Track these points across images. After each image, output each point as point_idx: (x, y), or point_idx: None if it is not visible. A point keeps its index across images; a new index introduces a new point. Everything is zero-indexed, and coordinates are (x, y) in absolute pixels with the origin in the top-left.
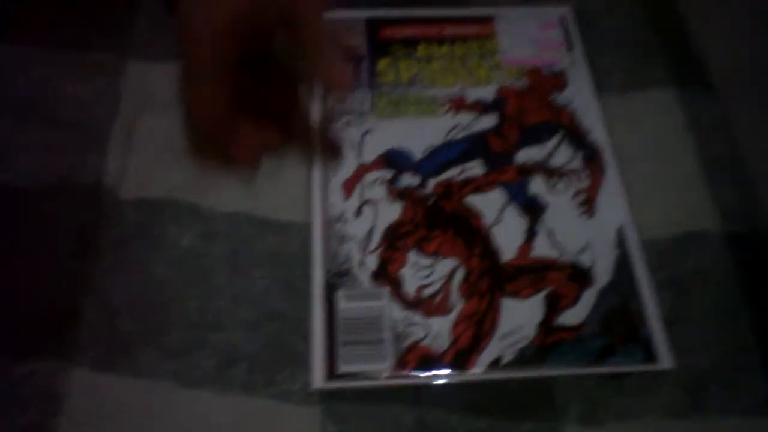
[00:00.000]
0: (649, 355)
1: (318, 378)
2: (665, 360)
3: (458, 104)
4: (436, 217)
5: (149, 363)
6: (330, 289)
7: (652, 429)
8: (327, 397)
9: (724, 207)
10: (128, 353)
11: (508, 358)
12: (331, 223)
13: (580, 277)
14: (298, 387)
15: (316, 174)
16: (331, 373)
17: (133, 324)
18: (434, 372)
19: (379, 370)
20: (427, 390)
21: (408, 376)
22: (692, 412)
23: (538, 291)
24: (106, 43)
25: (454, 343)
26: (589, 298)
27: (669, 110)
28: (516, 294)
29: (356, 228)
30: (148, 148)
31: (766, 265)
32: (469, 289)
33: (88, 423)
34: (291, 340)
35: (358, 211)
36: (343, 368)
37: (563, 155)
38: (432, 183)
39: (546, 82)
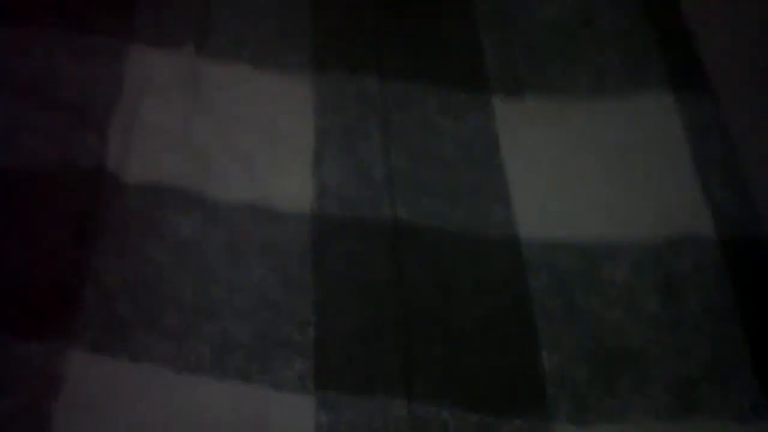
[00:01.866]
0: None
1: None
2: None
3: None
4: None
5: (146, 347)
6: None
7: (642, 430)
8: (321, 386)
9: (718, 210)
10: (125, 337)
11: None
12: None
13: None
14: (292, 375)
15: None
16: None
17: (130, 308)
18: None
19: None
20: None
21: None
22: (683, 414)
23: None
24: (108, 26)
25: None
26: None
27: (666, 112)
28: None
29: None
30: (151, 133)
31: (759, 268)
32: None
33: (85, 405)
34: (286, 329)
35: None
36: None
37: None
38: None
39: None
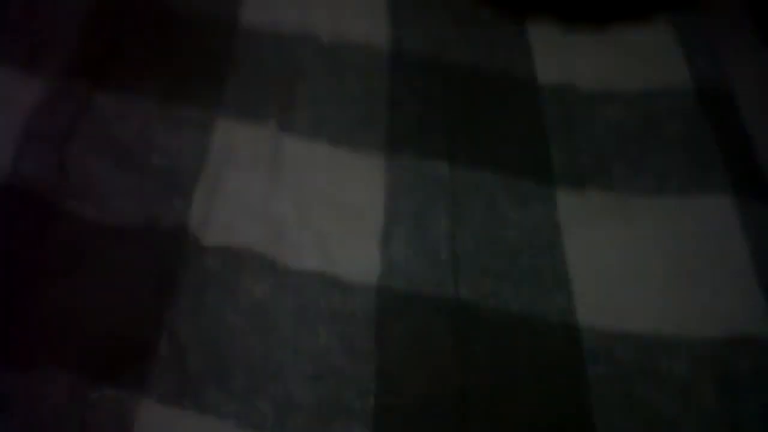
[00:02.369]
0: None
1: None
2: None
3: None
4: None
5: (213, 402)
6: None
7: None
8: None
9: None
10: (195, 391)
11: None
12: None
13: None
14: None
15: None
16: None
17: (201, 365)
18: None
19: None
20: None
21: None
22: None
23: None
24: (198, 99)
25: None
26: None
27: (726, 215)
28: None
29: None
30: (232, 201)
31: None
32: None
33: None
34: (347, 395)
35: None
36: None
37: None
38: None
39: None
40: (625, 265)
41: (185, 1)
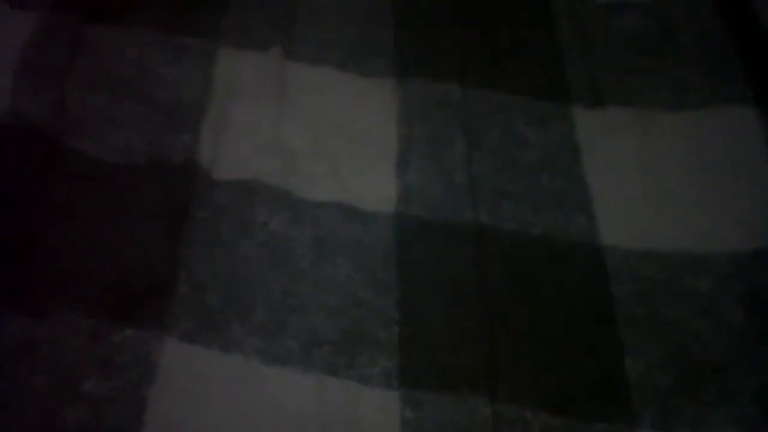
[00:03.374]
0: None
1: None
2: None
3: None
4: None
5: (236, 338)
6: None
7: None
8: (406, 383)
9: None
10: (216, 327)
11: None
12: None
13: None
14: (377, 372)
15: None
16: None
17: (221, 301)
18: None
19: None
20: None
21: None
22: (767, 426)
23: None
24: (198, 28)
25: None
26: None
27: (748, 126)
28: None
29: None
30: (240, 133)
31: None
32: None
33: (178, 391)
34: (372, 326)
35: None
36: None
37: None
38: None
39: None
40: (647, 182)
41: None
